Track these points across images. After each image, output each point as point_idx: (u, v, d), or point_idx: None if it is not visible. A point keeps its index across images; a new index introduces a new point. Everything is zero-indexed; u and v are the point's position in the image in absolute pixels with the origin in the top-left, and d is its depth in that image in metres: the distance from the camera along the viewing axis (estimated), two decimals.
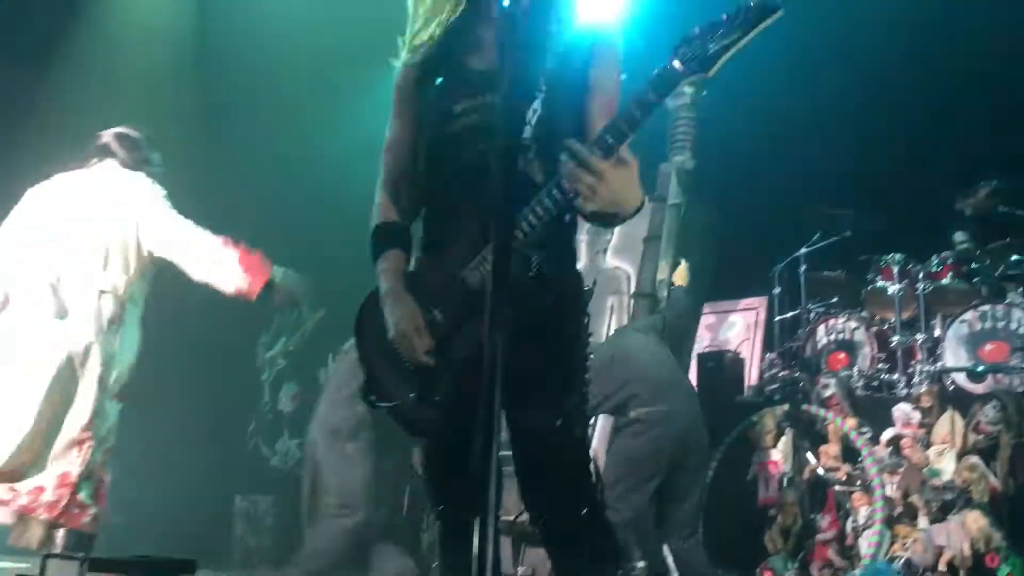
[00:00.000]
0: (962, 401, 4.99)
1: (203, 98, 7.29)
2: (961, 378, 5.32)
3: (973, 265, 5.66)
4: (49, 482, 3.24)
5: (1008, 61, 5.69)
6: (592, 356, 2.02)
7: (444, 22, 2.09)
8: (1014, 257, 5.58)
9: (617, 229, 6.53)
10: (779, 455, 5.21)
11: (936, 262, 5.72)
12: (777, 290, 6.33)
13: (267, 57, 7.08)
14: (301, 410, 6.55)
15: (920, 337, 5.60)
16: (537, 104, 1.93)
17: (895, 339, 5.70)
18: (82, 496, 3.32)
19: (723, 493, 5.02)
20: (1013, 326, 5.29)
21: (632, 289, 6.32)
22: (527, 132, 1.91)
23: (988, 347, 5.32)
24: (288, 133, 7.09)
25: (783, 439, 5.25)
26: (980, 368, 5.20)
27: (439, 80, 2.05)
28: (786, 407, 5.36)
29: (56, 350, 3.31)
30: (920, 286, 5.67)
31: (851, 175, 6.33)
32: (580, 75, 2.01)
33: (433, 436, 2.05)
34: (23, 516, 3.23)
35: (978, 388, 5.19)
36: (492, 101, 1.96)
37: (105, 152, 3.60)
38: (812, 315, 6.17)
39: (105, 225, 3.43)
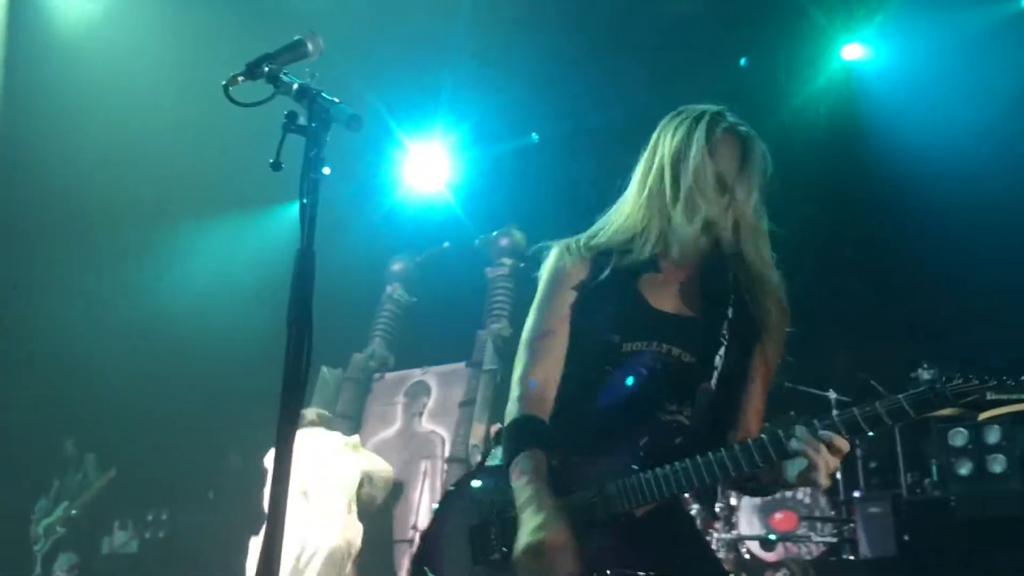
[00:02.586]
0: (755, 569, 5.25)
1: None
2: (755, 546, 5.61)
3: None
4: None
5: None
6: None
7: (638, 243, 1.92)
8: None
9: (434, 393, 6.59)
10: None
11: None
12: None
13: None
14: None
15: (718, 506, 5.88)
16: (722, 352, 1.87)
17: (694, 507, 5.95)
18: None
19: None
20: (799, 496, 5.69)
21: (447, 454, 6.31)
22: (713, 380, 1.85)
23: (778, 516, 5.68)
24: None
25: None
26: (772, 536, 5.51)
27: (610, 305, 1.89)
28: None
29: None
30: None
31: None
32: (755, 322, 1.93)
33: None
34: None
35: (770, 556, 5.49)
36: (670, 351, 1.86)
37: (312, 422, 5.52)
38: None
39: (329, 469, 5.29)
